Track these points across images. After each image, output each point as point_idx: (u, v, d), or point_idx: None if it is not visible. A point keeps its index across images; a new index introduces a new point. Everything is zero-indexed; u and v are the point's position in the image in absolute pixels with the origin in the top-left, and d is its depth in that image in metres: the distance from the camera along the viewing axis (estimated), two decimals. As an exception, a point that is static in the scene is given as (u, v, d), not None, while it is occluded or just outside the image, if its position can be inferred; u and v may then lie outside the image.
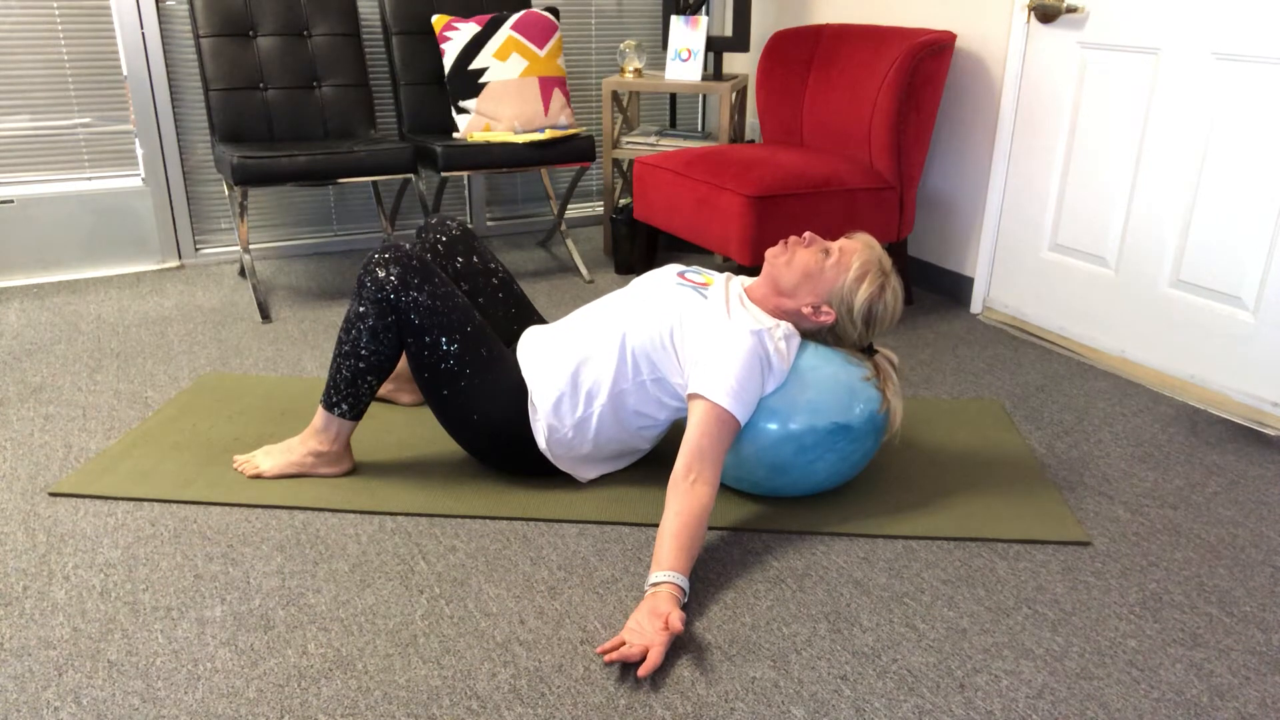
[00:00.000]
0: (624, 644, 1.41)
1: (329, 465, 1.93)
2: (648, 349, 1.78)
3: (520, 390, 1.83)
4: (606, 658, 1.39)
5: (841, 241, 1.84)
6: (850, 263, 1.79)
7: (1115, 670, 1.44)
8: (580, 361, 1.81)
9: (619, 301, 1.87)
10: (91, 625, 1.50)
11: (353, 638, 1.49)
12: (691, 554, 1.55)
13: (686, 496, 1.59)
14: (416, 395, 2.30)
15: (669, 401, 1.82)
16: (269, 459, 1.94)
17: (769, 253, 1.85)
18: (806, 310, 1.80)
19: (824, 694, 1.38)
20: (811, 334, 1.85)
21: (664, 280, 1.86)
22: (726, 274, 1.92)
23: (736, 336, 1.70)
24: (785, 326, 1.78)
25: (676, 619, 1.43)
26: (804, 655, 1.46)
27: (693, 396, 1.70)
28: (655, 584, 1.51)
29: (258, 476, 1.92)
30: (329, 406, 1.87)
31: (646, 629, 1.44)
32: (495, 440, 1.86)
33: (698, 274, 1.90)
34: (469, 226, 2.11)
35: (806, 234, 1.84)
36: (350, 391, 1.85)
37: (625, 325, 1.80)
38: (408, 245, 1.83)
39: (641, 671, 1.38)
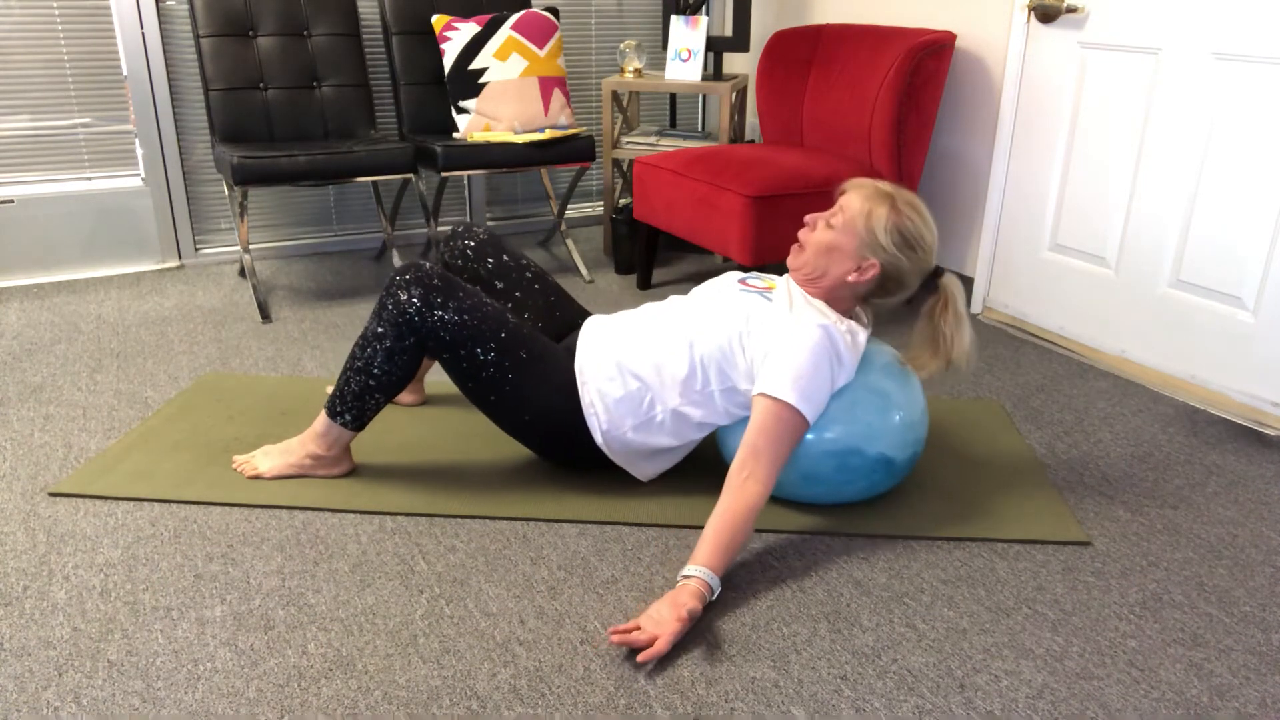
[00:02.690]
0: (637, 629, 1.43)
1: (327, 468, 1.93)
2: (717, 358, 1.75)
3: (567, 382, 1.82)
4: (615, 638, 1.40)
5: (839, 201, 1.81)
6: (853, 211, 1.77)
7: (1115, 670, 1.44)
8: (649, 368, 1.79)
9: (684, 310, 1.84)
10: (91, 625, 1.50)
11: (353, 638, 1.49)
12: (729, 551, 1.56)
13: (735, 493, 1.60)
14: (417, 395, 2.30)
15: (737, 412, 1.79)
16: (268, 460, 1.94)
17: (788, 262, 1.85)
18: (852, 277, 1.77)
19: (824, 694, 1.38)
20: (879, 295, 1.81)
21: (726, 288, 1.85)
22: (786, 275, 1.89)
23: (803, 332, 1.68)
24: (850, 323, 1.77)
25: (686, 611, 1.45)
26: (804, 655, 1.46)
27: (756, 396, 1.68)
28: (686, 576, 1.52)
29: (257, 477, 1.92)
30: (332, 414, 1.87)
31: (664, 617, 1.45)
32: (550, 436, 1.85)
33: (759, 279, 1.88)
34: (494, 231, 2.12)
35: (806, 218, 1.83)
36: (356, 404, 1.85)
37: (692, 334, 1.78)
38: (428, 263, 1.82)
39: (642, 657, 1.39)
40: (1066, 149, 2.69)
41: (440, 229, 3.80)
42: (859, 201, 1.77)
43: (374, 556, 1.70)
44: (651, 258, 3.23)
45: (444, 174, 3.05)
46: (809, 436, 1.72)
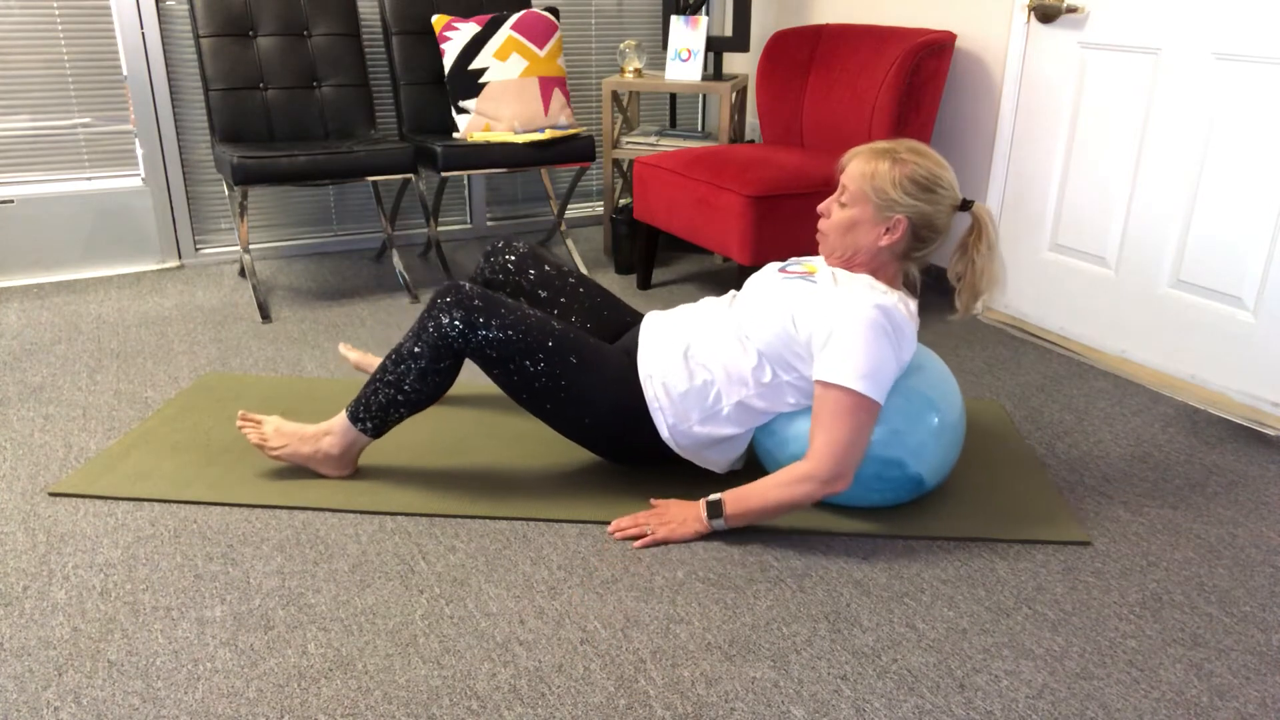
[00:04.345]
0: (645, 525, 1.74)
1: (333, 468, 1.93)
2: (778, 347, 1.75)
3: (625, 380, 1.82)
4: (625, 529, 1.75)
5: (841, 178, 1.81)
6: (858, 180, 1.76)
7: (1115, 670, 1.44)
8: (716, 363, 1.79)
9: (735, 307, 1.85)
10: (91, 625, 1.50)
11: (353, 638, 1.49)
12: (753, 494, 1.70)
13: (788, 465, 1.72)
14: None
15: (805, 401, 1.79)
16: (280, 438, 1.91)
17: (820, 253, 1.86)
18: (884, 241, 1.76)
19: (824, 694, 1.38)
20: (919, 248, 1.79)
21: (769, 278, 1.84)
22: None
23: (857, 312, 1.67)
24: (900, 293, 1.77)
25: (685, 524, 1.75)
26: (804, 655, 1.46)
27: (815, 382, 1.69)
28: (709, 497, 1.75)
29: (260, 446, 1.91)
30: (354, 419, 1.86)
31: (674, 516, 1.77)
32: (613, 437, 1.85)
33: (799, 264, 1.87)
34: (532, 244, 2.13)
35: (819, 208, 1.83)
36: (379, 414, 1.85)
37: (746, 329, 1.78)
38: (467, 284, 1.82)
39: (636, 542, 1.74)
40: (1066, 149, 2.69)
41: (440, 229, 3.81)
42: (860, 168, 1.77)
43: (374, 556, 1.70)
44: (651, 258, 3.23)
45: (444, 174, 3.05)
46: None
